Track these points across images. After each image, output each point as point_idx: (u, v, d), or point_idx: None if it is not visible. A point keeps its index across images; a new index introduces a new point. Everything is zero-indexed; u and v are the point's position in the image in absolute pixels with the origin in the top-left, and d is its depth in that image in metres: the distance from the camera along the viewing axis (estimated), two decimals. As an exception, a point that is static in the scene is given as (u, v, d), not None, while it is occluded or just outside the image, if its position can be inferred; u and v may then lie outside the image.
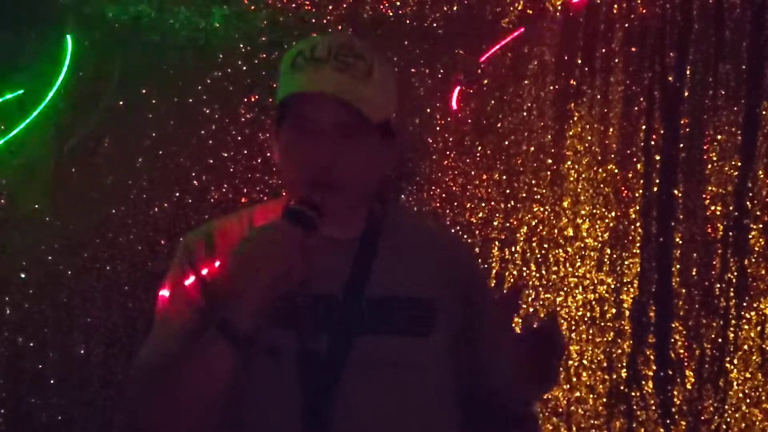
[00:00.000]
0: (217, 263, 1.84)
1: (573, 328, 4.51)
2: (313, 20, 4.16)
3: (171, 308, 1.86)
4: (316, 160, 1.78)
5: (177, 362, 1.77)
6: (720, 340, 4.50)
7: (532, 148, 4.51)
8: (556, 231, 4.51)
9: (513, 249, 4.48)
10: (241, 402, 1.77)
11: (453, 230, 4.34)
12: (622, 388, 4.51)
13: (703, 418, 4.48)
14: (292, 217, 1.75)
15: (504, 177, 4.49)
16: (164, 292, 1.87)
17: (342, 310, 1.82)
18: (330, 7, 4.20)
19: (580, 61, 4.52)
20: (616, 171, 4.53)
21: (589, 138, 4.52)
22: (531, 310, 4.48)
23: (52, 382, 3.86)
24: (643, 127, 4.54)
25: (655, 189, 4.53)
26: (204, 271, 1.84)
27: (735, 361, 4.50)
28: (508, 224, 4.48)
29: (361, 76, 1.80)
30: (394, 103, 1.89)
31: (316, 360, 1.78)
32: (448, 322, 1.87)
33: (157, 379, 1.79)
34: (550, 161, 4.51)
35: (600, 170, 4.53)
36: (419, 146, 4.39)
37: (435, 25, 4.36)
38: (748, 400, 4.49)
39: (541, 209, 4.50)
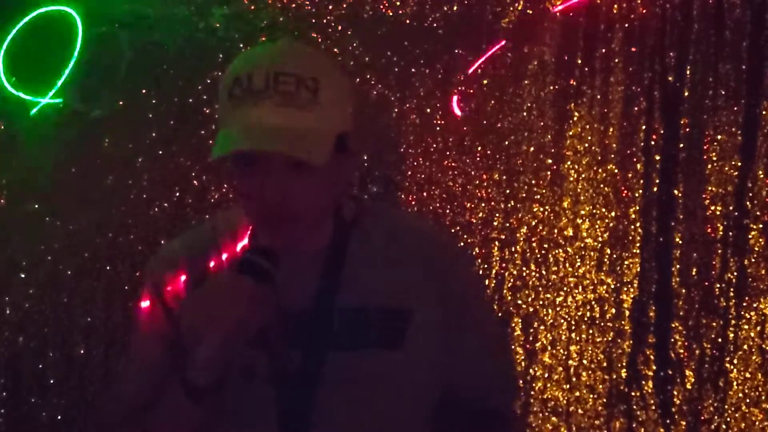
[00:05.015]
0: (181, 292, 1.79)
1: (573, 328, 4.50)
2: (313, 20, 4.16)
3: (141, 344, 1.84)
4: (266, 198, 1.69)
5: (146, 406, 1.75)
6: (720, 340, 4.50)
7: (532, 148, 4.50)
8: (556, 231, 4.51)
9: (513, 249, 4.47)
10: (217, 424, 1.74)
11: (452, 230, 4.34)
12: (622, 388, 4.50)
13: (703, 418, 4.48)
14: (245, 269, 1.66)
15: (504, 177, 4.48)
16: (136, 323, 1.85)
17: (313, 326, 1.77)
18: (330, 7, 4.20)
19: (580, 61, 4.52)
20: (616, 171, 4.53)
21: (589, 138, 4.52)
22: (531, 310, 4.48)
23: (52, 382, 3.86)
24: (643, 127, 4.53)
25: (655, 189, 4.53)
26: (172, 299, 1.80)
27: (735, 361, 4.49)
28: (508, 224, 4.47)
29: (305, 104, 1.66)
30: (350, 115, 1.75)
31: (289, 379, 1.74)
32: (425, 330, 1.82)
33: (127, 420, 1.78)
34: (550, 161, 4.51)
35: (600, 170, 4.52)
36: (420, 146, 4.39)
37: (435, 25, 4.35)
38: (748, 400, 4.48)
39: (541, 209, 4.50)
